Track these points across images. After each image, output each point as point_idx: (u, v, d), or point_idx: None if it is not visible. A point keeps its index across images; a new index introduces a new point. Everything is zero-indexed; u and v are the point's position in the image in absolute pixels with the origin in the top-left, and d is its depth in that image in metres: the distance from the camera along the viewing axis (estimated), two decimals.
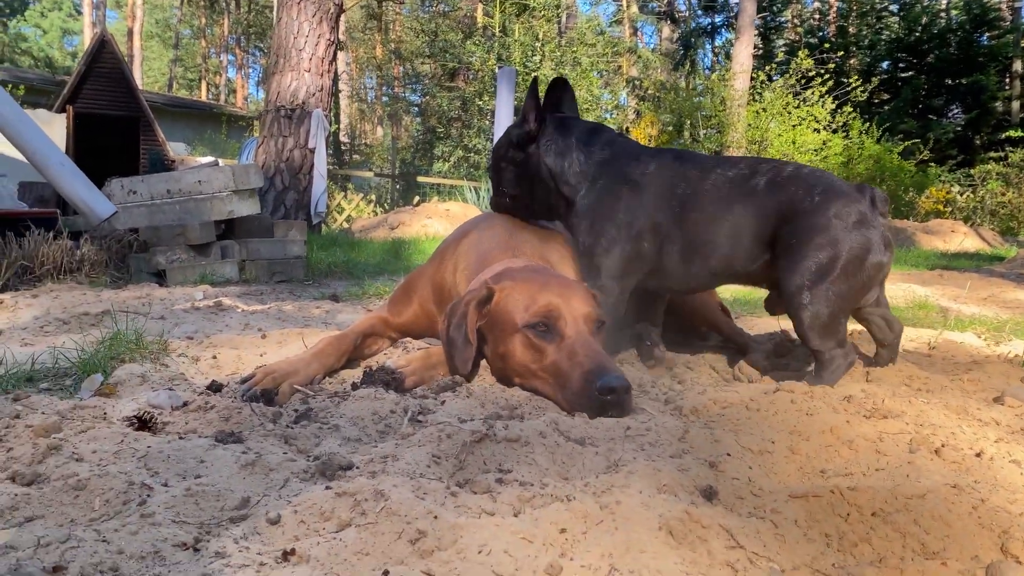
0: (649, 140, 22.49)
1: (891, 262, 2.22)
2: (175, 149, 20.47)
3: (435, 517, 1.16)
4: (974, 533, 1.18)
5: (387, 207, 17.82)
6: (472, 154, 20.67)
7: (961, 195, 22.72)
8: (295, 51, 10.96)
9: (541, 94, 2.50)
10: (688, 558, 1.08)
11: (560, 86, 2.61)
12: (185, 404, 1.80)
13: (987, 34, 28.14)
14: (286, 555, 1.08)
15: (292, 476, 1.38)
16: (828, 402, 1.78)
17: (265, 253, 5.71)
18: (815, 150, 19.76)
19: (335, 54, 11.66)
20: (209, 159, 15.18)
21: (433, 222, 11.48)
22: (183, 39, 51.48)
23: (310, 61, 11.04)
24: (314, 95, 11.01)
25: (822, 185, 2.18)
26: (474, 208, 12.94)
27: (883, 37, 29.22)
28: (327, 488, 1.28)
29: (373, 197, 17.88)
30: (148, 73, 49.59)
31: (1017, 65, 26.87)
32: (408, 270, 6.55)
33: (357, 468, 1.41)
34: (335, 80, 22.92)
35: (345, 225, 14.71)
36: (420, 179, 19.24)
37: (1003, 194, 21.43)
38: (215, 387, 1.96)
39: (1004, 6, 28.44)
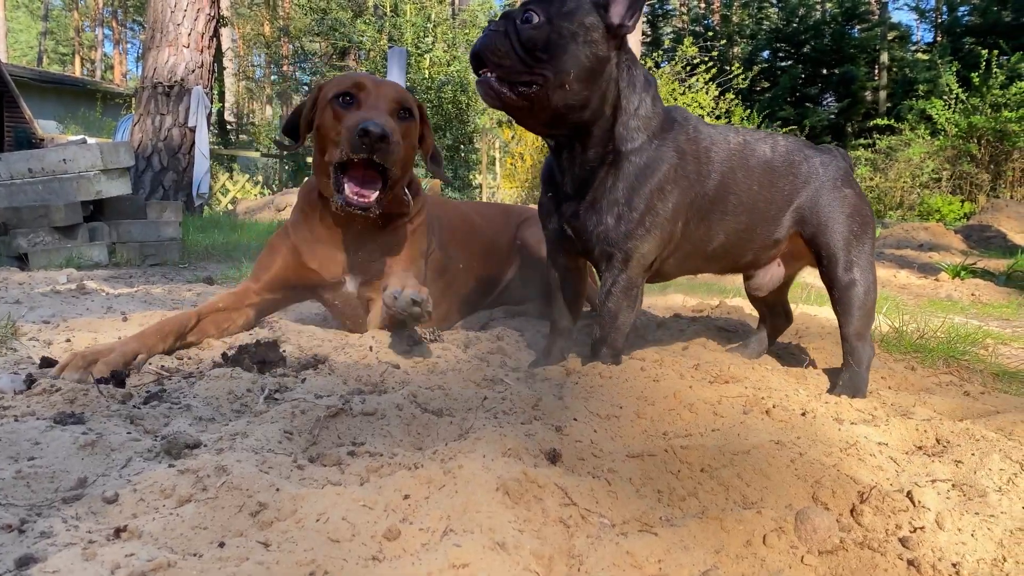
0: None
1: None
2: (45, 127, 19.29)
3: (277, 489, 1.16)
4: (790, 484, 1.28)
5: (275, 188, 17.34)
6: None
7: None
8: (173, 26, 10.49)
9: None
10: (523, 516, 1.12)
11: None
12: (29, 387, 1.73)
13: (858, 27, 29.74)
14: (117, 532, 1.06)
15: (135, 456, 1.35)
16: (676, 369, 1.87)
17: (137, 235, 5.47)
18: None
19: (216, 29, 11.22)
20: (80, 138, 14.37)
21: None
22: (53, 10, 48.32)
23: (189, 36, 10.60)
24: (193, 72, 10.59)
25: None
26: None
27: (763, 27, 30.43)
28: (170, 466, 1.26)
29: (260, 178, 17.36)
30: (14, 46, 46.38)
31: (884, 57, 28.51)
32: None
33: (205, 446, 1.39)
34: (219, 57, 22.04)
35: (230, 207, 14.24)
36: (309, 159, 18.78)
37: (871, 179, 22.77)
38: (47, 363, 1.89)
39: (873, 0, 30.09)
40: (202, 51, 10.73)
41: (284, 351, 1.95)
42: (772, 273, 2.31)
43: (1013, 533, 1.20)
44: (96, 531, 1.07)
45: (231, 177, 16.45)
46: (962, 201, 19.00)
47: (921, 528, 1.17)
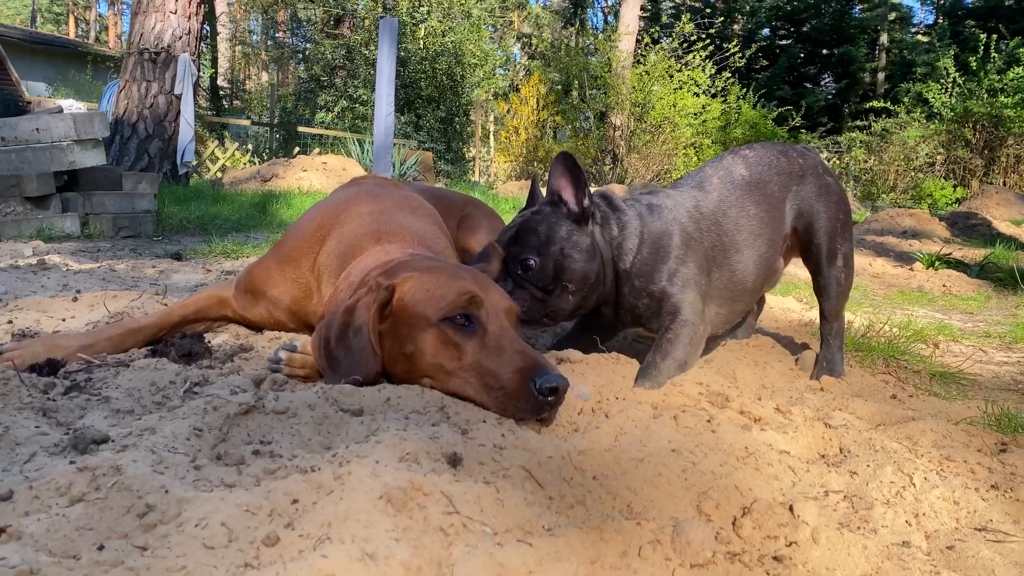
0: (538, 98, 22.59)
1: None
2: (34, 89, 19.12)
3: (166, 491, 1.18)
4: (678, 494, 1.30)
5: (266, 157, 17.26)
6: (357, 105, 20.20)
7: (828, 161, 23.99)
8: None
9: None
10: (403, 524, 1.15)
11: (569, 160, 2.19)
12: None
13: (859, 6, 29.48)
14: None
15: (40, 451, 1.37)
16: (601, 369, 1.89)
17: (111, 207, 5.46)
18: (695, 114, 20.35)
19: None
20: (70, 102, 14.25)
21: (309, 175, 11.22)
22: None
23: (176, 3, 10.50)
24: (180, 39, 10.50)
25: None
26: (354, 163, 12.70)
27: (764, 4, 30.16)
28: (71, 463, 1.28)
29: (250, 147, 17.26)
30: (8, 4, 45.90)
31: (884, 38, 28.31)
32: (273, 226, 6.40)
33: (112, 442, 1.41)
34: (210, 22, 21.72)
35: (219, 175, 14.18)
36: (301, 129, 18.67)
37: (865, 161, 22.73)
38: None
39: None
40: (190, 18, 10.64)
41: (210, 342, 1.97)
42: (777, 269, 2.42)
43: (889, 548, 1.23)
44: None
45: (221, 145, 16.36)
46: (954, 186, 18.99)
47: (796, 543, 1.20)
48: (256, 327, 2.28)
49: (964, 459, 1.54)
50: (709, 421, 1.57)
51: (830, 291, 2.31)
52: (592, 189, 2.18)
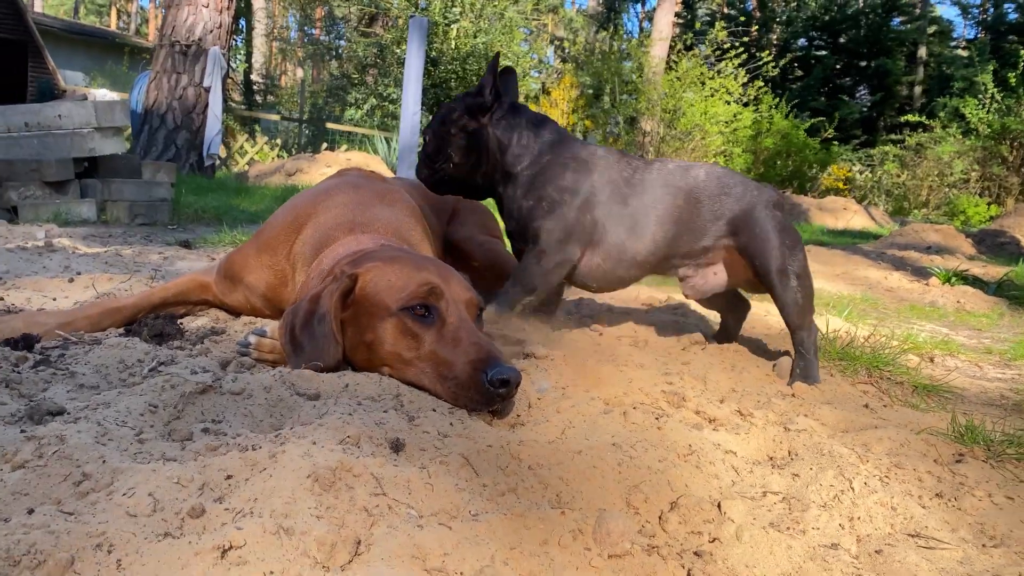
0: (568, 101, 22.58)
1: None
2: (72, 79, 19.46)
3: (103, 461, 1.22)
4: (610, 487, 1.31)
5: (294, 152, 17.44)
6: (387, 103, 20.33)
7: (860, 174, 23.71)
8: None
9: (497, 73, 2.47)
10: (328, 503, 1.17)
11: (511, 74, 2.53)
12: None
13: (899, 19, 29.09)
14: None
15: None
16: (565, 366, 1.90)
17: (128, 194, 5.57)
18: (726, 122, 20.21)
19: None
20: (103, 92, 14.52)
21: (332, 171, 11.33)
22: None
23: None
24: (212, 32, 10.67)
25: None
26: (379, 160, 12.80)
27: (801, 15, 29.89)
28: (22, 432, 1.32)
29: (279, 142, 17.45)
30: None
31: (922, 51, 27.91)
32: None
33: (68, 414, 1.45)
34: (246, 17, 21.92)
35: (246, 168, 14.36)
36: (329, 126, 18.85)
37: (898, 175, 22.43)
38: None
39: None
40: (221, 11, 10.80)
41: (183, 324, 2.01)
42: (709, 279, 2.44)
43: (815, 549, 1.23)
44: None
45: (251, 139, 16.55)
46: (988, 204, 18.68)
47: (718, 539, 1.21)
48: (235, 312, 2.32)
49: (914, 467, 1.54)
50: (658, 419, 1.58)
51: (787, 307, 2.34)
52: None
